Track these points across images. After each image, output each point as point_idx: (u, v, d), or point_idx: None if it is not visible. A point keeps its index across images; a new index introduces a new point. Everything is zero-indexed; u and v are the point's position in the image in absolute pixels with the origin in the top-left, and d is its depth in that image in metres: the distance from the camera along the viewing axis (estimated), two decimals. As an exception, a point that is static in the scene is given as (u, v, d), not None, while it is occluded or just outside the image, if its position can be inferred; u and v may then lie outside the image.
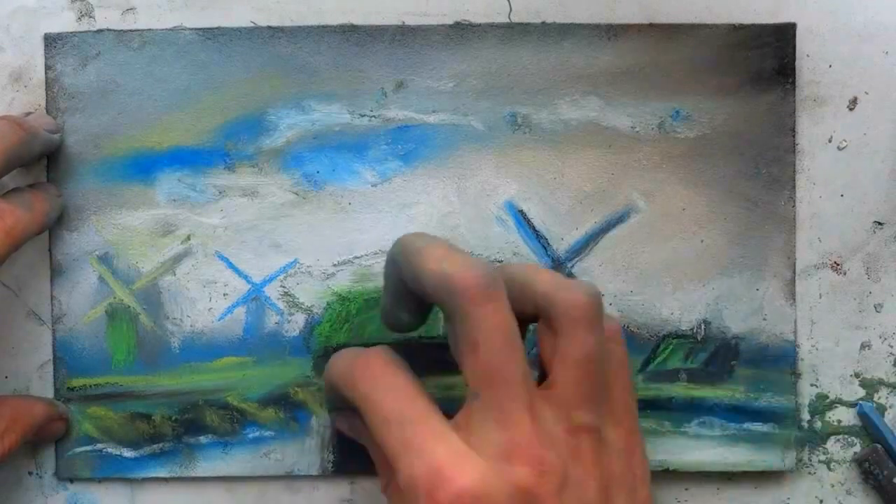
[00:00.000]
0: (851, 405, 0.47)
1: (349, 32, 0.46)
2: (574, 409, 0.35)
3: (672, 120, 0.46)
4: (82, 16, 0.47)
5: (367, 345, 0.46)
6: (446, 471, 0.33)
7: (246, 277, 0.46)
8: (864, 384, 0.47)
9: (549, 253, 0.46)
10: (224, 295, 0.46)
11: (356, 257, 0.46)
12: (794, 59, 0.46)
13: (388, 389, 0.36)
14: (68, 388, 0.46)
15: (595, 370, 0.35)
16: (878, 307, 0.47)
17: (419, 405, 0.35)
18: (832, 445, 0.47)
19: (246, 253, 0.46)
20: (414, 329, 0.40)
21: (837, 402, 0.47)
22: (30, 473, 0.47)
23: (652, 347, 0.46)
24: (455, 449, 0.33)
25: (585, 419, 0.35)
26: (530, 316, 0.37)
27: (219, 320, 0.46)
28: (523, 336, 0.37)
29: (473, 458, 0.33)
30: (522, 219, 0.46)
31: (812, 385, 0.47)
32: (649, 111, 0.46)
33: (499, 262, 0.46)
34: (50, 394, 0.46)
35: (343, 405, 0.39)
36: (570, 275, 0.46)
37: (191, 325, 0.46)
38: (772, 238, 0.46)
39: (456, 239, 0.46)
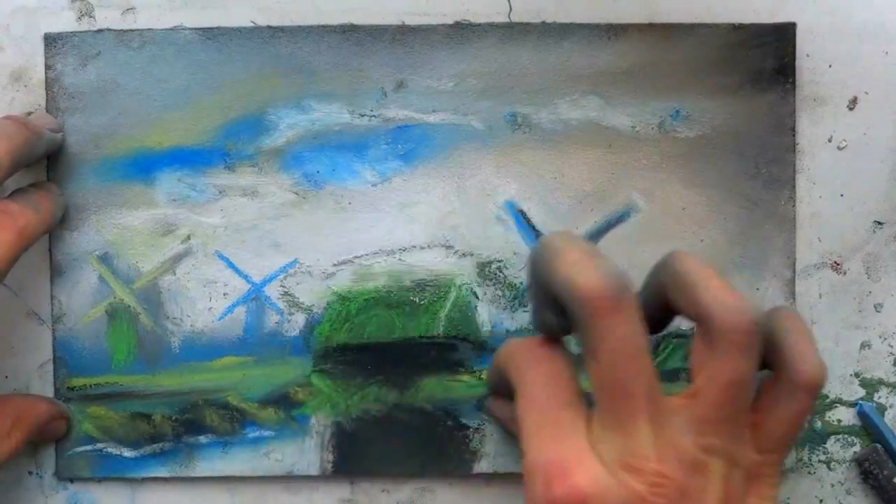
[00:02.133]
0: (851, 405, 0.47)
1: (349, 32, 0.46)
2: (708, 427, 0.34)
3: (672, 120, 0.46)
4: (82, 16, 0.47)
5: (367, 345, 0.46)
6: (567, 465, 0.34)
7: (246, 277, 0.46)
8: (864, 384, 0.47)
9: (549, 253, 0.46)
10: (224, 295, 0.46)
11: (356, 257, 0.46)
12: (794, 59, 0.46)
13: (541, 374, 0.36)
14: (68, 387, 0.46)
15: (740, 396, 0.34)
16: (878, 307, 0.47)
17: (564, 396, 0.35)
18: (832, 445, 0.47)
19: (246, 253, 0.46)
20: (565, 333, 0.37)
21: (837, 402, 0.47)
22: (30, 473, 0.47)
23: (652, 347, 0.46)
24: (580, 447, 0.34)
25: (716, 442, 0.34)
26: (688, 315, 0.36)
27: (219, 320, 0.46)
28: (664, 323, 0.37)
29: (593, 459, 0.34)
30: (522, 219, 0.46)
31: (812, 385, 0.47)
32: (649, 111, 0.46)
33: (499, 261, 0.46)
34: (50, 393, 0.46)
35: (502, 390, 0.39)
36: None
37: (191, 325, 0.46)
38: (772, 238, 0.46)
39: (456, 239, 0.46)
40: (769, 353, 0.36)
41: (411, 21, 0.46)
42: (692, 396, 0.35)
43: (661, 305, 0.36)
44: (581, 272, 0.34)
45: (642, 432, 0.34)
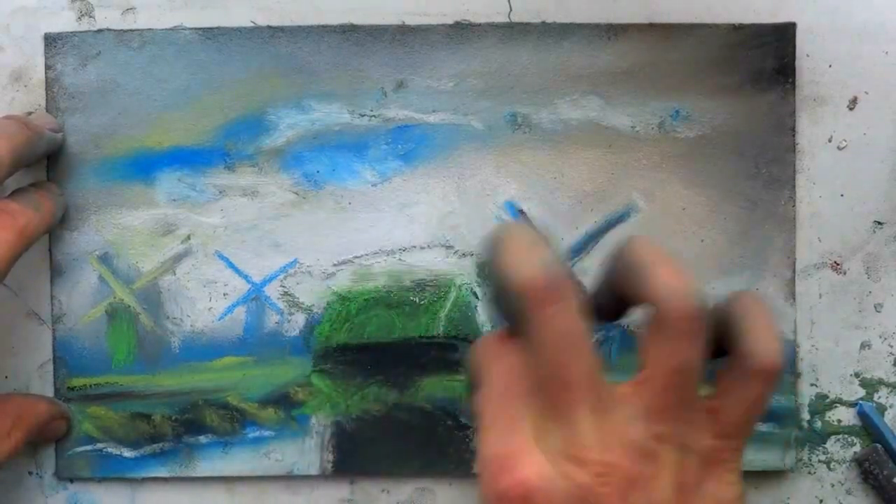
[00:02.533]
0: (851, 405, 0.47)
1: (349, 32, 0.46)
2: (656, 414, 0.34)
3: (672, 120, 0.46)
4: (82, 16, 0.47)
5: (367, 345, 0.46)
6: (512, 458, 0.33)
7: (246, 277, 0.46)
8: (864, 384, 0.47)
9: (549, 253, 0.46)
10: (224, 295, 0.46)
11: (356, 257, 0.46)
12: (794, 59, 0.46)
13: (500, 367, 0.36)
14: (68, 387, 0.46)
15: (687, 382, 0.34)
16: (878, 307, 0.47)
17: (519, 389, 0.35)
18: (832, 445, 0.47)
19: (246, 253, 0.46)
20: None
21: (837, 402, 0.47)
22: (30, 473, 0.47)
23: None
24: (526, 440, 0.34)
25: (664, 429, 0.34)
26: (636, 301, 0.36)
27: (219, 320, 0.46)
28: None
29: (538, 452, 0.34)
30: (522, 219, 0.46)
31: (812, 385, 0.47)
32: (649, 111, 0.46)
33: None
34: (50, 393, 0.46)
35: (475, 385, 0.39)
36: (571, 275, 0.46)
37: (191, 325, 0.46)
38: (772, 238, 0.46)
39: (456, 239, 0.46)
40: (727, 338, 0.36)
41: (411, 21, 0.46)
42: (640, 384, 0.34)
43: (616, 293, 0.36)
44: (518, 263, 0.34)
45: (584, 422, 0.33)
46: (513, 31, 0.46)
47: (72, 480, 0.47)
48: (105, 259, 0.46)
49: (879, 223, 0.47)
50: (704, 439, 0.35)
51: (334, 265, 0.46)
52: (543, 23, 0.46)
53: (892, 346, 0.47)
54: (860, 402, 0.47)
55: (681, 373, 0.34)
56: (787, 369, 0.46)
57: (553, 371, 0.34)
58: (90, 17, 0.47)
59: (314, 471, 0.46)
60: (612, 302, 0.36)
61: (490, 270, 0.36)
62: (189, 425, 0.46)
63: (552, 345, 0.34)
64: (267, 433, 0.46)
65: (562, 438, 0.34)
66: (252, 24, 0.46)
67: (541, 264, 0.34)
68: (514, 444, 0.34)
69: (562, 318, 0.34)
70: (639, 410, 0.34)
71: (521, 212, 0.46)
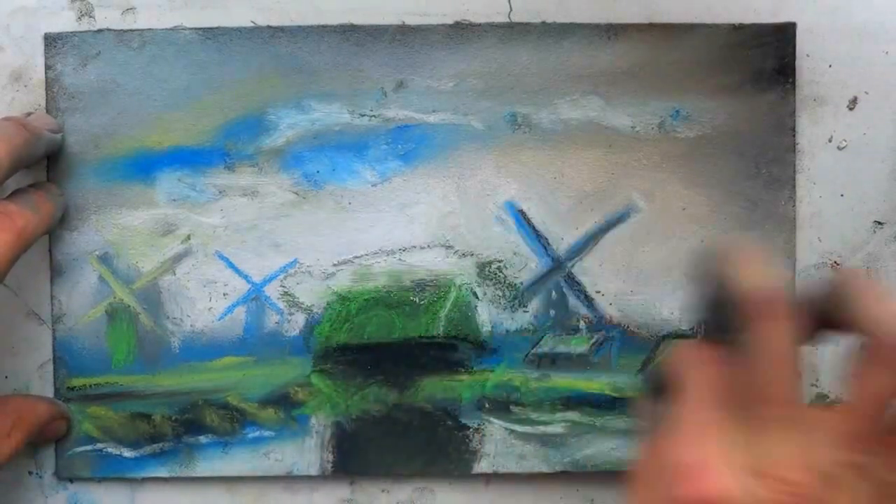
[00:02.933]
0: (851, 405, 0.47)
1: (349, 32, 0.46)
2: (854, 443, 0.34)
3: (672, 120, 0.46)
4: (82, 16, 0.47)
5: (367, 345, 0.46)
6: (699, 469, 0.34)
7: (246, 277, 0.46)
8: (864, 384, 0.47)
9: (549, 253, 0.46)
10: (224, 295, 0.46)
11: (356, 257, 0.46)
12: (794, 59, 0.46)
13: (697, 376, 0.36)
14: (68, 387, 0.46)
15: (885, 414, 0.35)
16: (878, 307, 0.47)
17: (715, 399, 0.36)
18: (832, 445, 0.47)
19: (246, 253, 0.46)
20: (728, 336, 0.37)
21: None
22: (30, 473, 0.47)
23: (652, 347, 0.46)
24: (715, 451, 0.34)
25: (859, 458, 0.34)
26: (849, 330, 0.36)
27: (219, 320, 0.46)
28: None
29: (725, 464, 0.34)
30: (522, 219, 0.46)
31: (812, 385, 0.47)
32: (649, 111, 0.46)
33: (499, 261, 0.46)
34: (50, 393, 0.46)
35: (661, 391, 0.39)
36: (570, 275, 0.46)
37: (191, 325, 0.46)
38: (772, 238, 0.46)
39: (456, 239, 0.46)
40: (852, 321, 0.36)
41: (411, 21, 0.46)
42: (844, 411, 0.35)
43: (822, 319, 0.37)
44: (753, 276, 0.35)
45: (778, 440, 0.34)
46: (513, 31, 0.46)
47: (72, 480, 0.47)
48: (105, 259, 0.46)
49: (879, 223, 0.47)
50: (887, 474, 0.35)
51: (334, 265, 0.46)
52: (543, 23, 0.46)
53: (892, 346, 0.47)
54: (860, 402, 0.47)
55: (886, 404, 0.34)
56: (788, 369, 0.46)
57: (761, 384, 0.34)
58: (90, 17, 0.47)
59: (314, 471, 0.46)
60: (813, 326, 0.37)
61: (714, 279, 0.37)
62: (189, 425, 0.46)
63: (766, 358, 0.34)
64: (267, 433, 0.46)
65: (751, 453, 0.34)
66: (252, 24, 0.46)
67: (773, 281, 0.35)
68: (704, 455, 0.34)
69: (779, 335, 0.35)
70: (836, 436, 0.34)
71: (521, 212, 0.46)
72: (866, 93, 0.47)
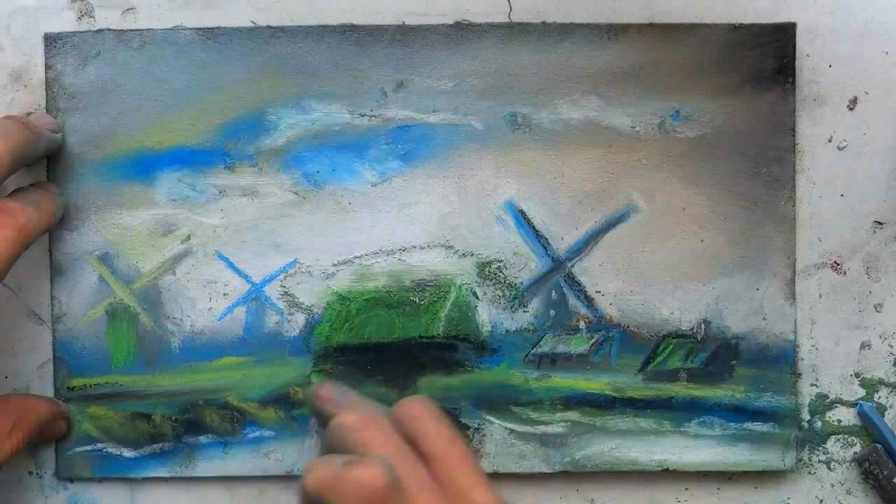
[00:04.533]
0: (851, 405, 0.47)
1: (349, 32, 0.46)
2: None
3: (672, 120, 0.46)
4: (82, 16, 0.47)
5: (367, 345, 0.46)
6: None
7: (246, 277, 0.46)
8: (864, 384, 0.47)
9: (549, 253, 0.46)
10: (224, 295, 0.46)
11: (356, 257, 0.46)
12: (794, 59, 0.46)
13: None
14: (68, 387, 0.46)
15: None
16: (878, 307, 0.47)
17: None
18: (832, 445, 0.47)
19: (246, 253, 0.46)
20: None
21: (837, 402, 0.47)
22: (30, 473, 0.47)
23: (652, 347, 0.46)
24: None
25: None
26: None
27: (219, 320, 0.46)
28: None
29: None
30: (522, 218, 0.46)
31: (812, 385, 0.47)
32: (649, 111, 0.46)
33: (499, 261, 0.46)
34: (50, 393, 0.46)
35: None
36: (570, 275, 0.46)
37: (191, 325, 0.46)
38: (772, 238, 0.46)
39: (456, 239, 0.46)
40: None
41: (411, 21, 0.46)
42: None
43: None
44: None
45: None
46: (513, 31, 0.46)
47: (72, 480, 0.47)
48: (105, 259, 0.46)
49: (879, 223, 0.47)
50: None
51: (334, 265, 0.46)
52: (543, 23, 0.46)
53: (892, 346, 0.47)
54: (860, 402, 0.47)
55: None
56: (788, 369, 0.46)
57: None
58: (90, 17, 0.47)
59: (314, 471, 0.46)
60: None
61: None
62: (189, 425, 0.46)
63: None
64: (267, 433, 0.46)
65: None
66: (252, 25, 0.46)
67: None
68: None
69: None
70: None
71: (521, 212, 0.46)
72: (866, 93, 0.47)
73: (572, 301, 0.46)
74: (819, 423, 0.47)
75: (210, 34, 0.46)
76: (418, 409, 0.41)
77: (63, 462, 0.46)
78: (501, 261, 0.46)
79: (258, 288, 0.47)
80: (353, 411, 0.41)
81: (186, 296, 0.46)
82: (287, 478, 0.47)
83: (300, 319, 0.46)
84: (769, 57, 0.46)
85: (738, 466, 0.46)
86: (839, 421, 0.47)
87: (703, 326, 0.46)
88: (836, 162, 0.47)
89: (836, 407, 0.47)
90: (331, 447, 0.40)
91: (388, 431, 0.40)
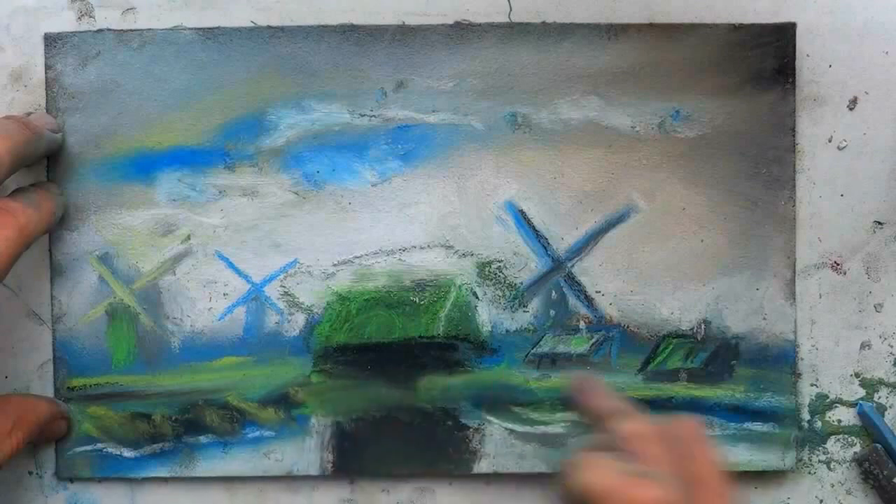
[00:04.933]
0: (851, 405, 0.47)
1: (349, 32, 0.46)
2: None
3: (672, 120, 0.46)
4: (82, 16, 0.47)
5: (367, 345, 0.46)
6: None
7: (246, 277, 0.46)
8: (864, 384, 0.47)
9: (549, 253, 0.46)
10: (224, 295, 0.46)
11: (356, 257, 0.46)
12: (794, 59, 0.46)
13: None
14: (68, 387, 0.46)
15: None
16: (878, 307, 0.47)
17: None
18: (832, 445, 0.47)
19: (246, 253, 0.46)
20: None
21: (837, 402, 0.47)
22: (30, 473, 0.47)
23: (652, 347, 0.46)
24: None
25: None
26: None
27: (219, 320, 0.46)
28: None
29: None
30: (522, 218, 0.46)
31: (812, 385, 0.47)
32: (649, 111, 0.46)
33: (499, 261, 0.46)
34: (50, 393, 0.46)
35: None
36: (570, 275, 0.46)
37: (191, 325, 0.46)
38: (772, 238, 0.46)
39: (456, 239, 0.46)
40: None
41: (411, 21, 0.46)
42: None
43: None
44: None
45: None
46: (513, 31, 0.46)
47: (72, 480, 0.47)
48: (105, 259, 0.46)
49: (879, 223, 0.47)
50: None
51: (334, 265, 0.46)
52: (543, 23, 0.46)
53: (892, 346, 0.47)
54: (860, 402, 0.47)
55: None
56: (788, 369, 0.46)
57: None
58: (90, 17, 0.47)
59: (314, 471, 0.46)
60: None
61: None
62: (189, 425, 0.46)
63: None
64: (267, 433, 0.46)
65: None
66: (252, 25, 0.46)
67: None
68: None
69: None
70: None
71: (521, 212, 0.46)
72: (866, 93, 0.47)
73: (572, 301, 0.46)
74: (819, 423, 0.47)
75: (210, 34, 0.46)
76: (696, 432, 0.41)
77: (63, 462, 0.46)
78: (501, 261, 0.46)
79: (258, 288, 0.47)
80: (641, 421, 0.41)
81: (186, 296, 0.46)
82: (287, 478, 0.47)
83: (300, 319, 0.46)
84: (769, 57, 0.46)
85: (738, 466, 0.46)
86: (839, 421, 0.47)
87: (703, 326, 0.46)
88: (836, 162, 0.47)
89: (836, 407, 0.47)
90: (607, 447, 0.41)
91: (671, 451, 0.40)
